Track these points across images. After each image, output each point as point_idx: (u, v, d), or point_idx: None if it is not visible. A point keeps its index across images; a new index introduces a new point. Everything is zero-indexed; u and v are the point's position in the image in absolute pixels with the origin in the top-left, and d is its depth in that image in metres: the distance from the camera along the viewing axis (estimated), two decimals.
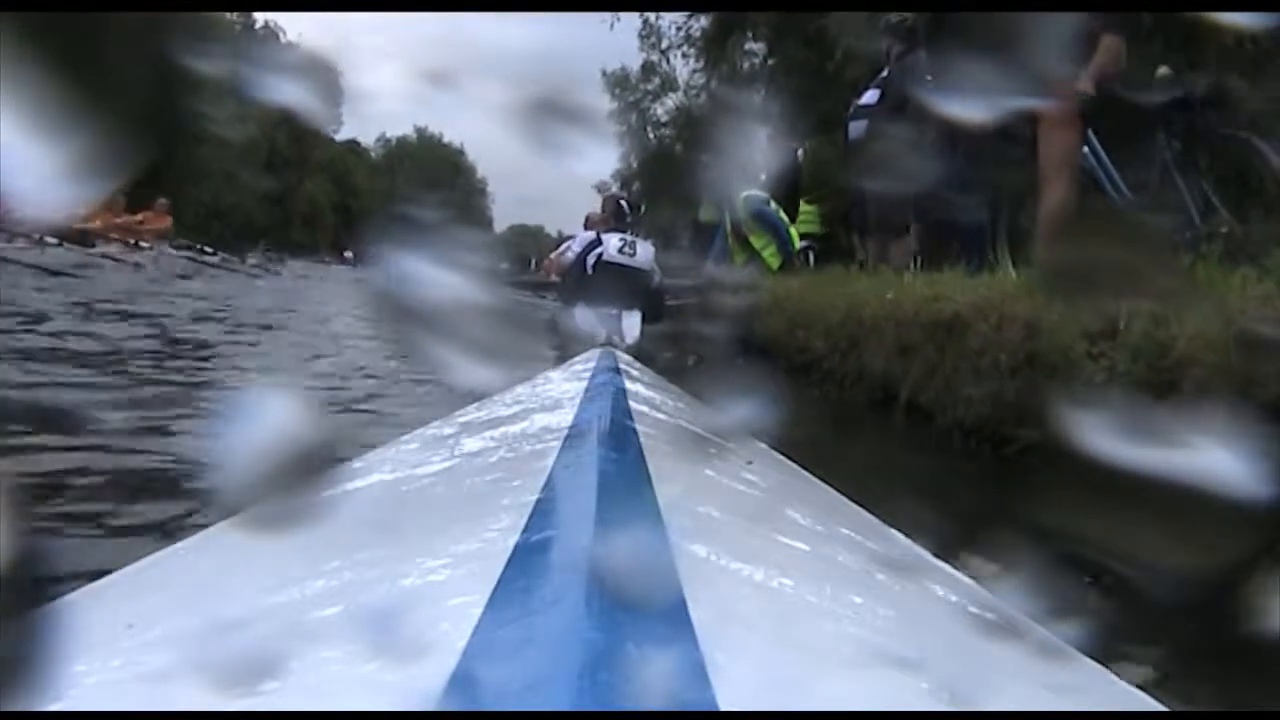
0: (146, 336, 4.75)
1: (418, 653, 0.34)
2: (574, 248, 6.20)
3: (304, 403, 0.42)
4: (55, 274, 7.47)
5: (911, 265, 4.43)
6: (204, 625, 0.44)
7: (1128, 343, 1.89)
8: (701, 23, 16.22)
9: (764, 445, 0.98)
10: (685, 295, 6.07)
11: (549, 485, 0.59)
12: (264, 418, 0.41)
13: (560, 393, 1.25)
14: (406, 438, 1.08)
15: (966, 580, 0.65)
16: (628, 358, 1.96)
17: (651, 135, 25.10)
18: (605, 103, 25.47)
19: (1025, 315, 2.33)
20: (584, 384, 1.25)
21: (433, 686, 0.30)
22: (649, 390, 1.38)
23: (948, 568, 0.69)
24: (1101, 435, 0.42)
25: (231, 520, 0.56)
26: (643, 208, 6.93)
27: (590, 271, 5.73)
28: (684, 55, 18.84)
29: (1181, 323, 1.76)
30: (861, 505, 0.92)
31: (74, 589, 0.53)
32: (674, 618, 0.37)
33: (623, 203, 6.60)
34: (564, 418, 0.91)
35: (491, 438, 0.95)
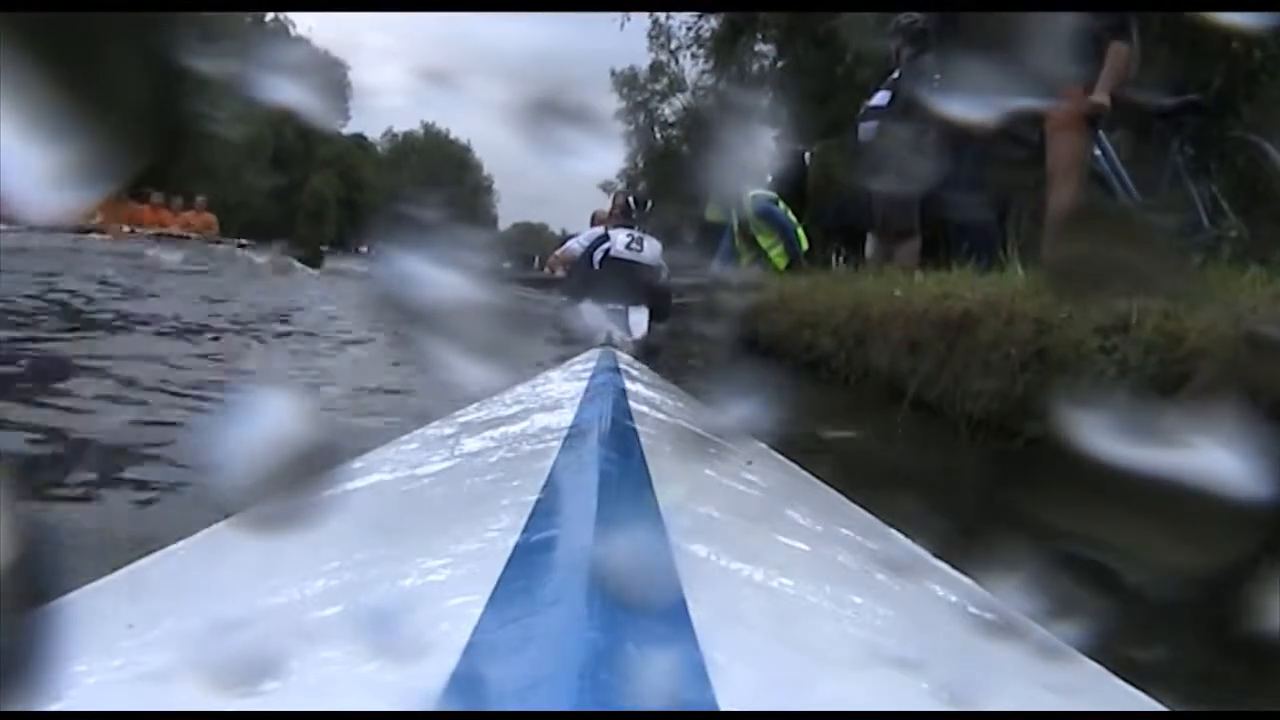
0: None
1: (418, 653, 0.34)
2: (580, 241, 6.18)
3: (306, 401, 0.42)
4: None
5: (919, 265, 4.42)
6: (204, 625, 0.44)
7: (1140, 337, 1.89)
8: (712, 23, 16.21)
9: (764, 445, 0.98)
10: (691, 294, 6.06)
11: (549, 485, 0.59)
12: (266, 417, 0.41)
13: (560, 393, 1.25)
14: (406, 438, 1.08)
15: (966, 580, 0.64)
16: (628, 358, 1.96)
17: (659, 135, 25.11)
18: (613, 102, 25.53)
19: (1035, 312, 2.32)
20: (584, 384, 1.25)
21: (433, 686, 0.30)
22: (649, 390, 1.38)
23: (948, 568, 0.69)
24: (1107, 434, 0.42)
25: (231, 520, 0.56)
26: (649, 204, 6.89)
27: (597, 267, 5.71)
28: (693, 56, 18.89)
29: (1194, 317, 1.76)
30: (861, 505, 0.91)
31: (74, 589, 0.53)
32: (674, 618, 0.37)
33: (630, 200, 6.59)
34: (564, 418, 0.91)
35: (491, 438, 0.96)
